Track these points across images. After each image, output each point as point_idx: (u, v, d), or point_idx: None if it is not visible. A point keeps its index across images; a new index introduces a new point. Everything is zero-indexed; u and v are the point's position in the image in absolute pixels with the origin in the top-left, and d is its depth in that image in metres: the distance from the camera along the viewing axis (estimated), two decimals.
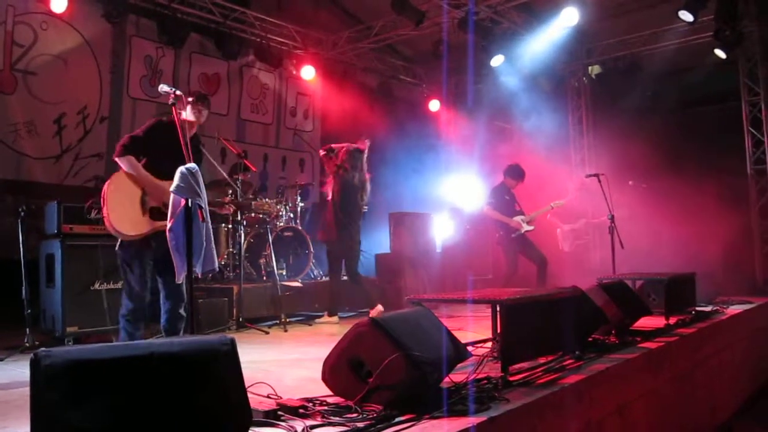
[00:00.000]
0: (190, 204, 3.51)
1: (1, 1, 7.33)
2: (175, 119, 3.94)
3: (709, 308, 6.35)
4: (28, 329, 5.33)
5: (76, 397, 1.93)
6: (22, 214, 5.37)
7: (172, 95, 3.95)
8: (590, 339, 4.41)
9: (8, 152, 7.37)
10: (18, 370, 4.54)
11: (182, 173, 3.55)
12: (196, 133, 4.72)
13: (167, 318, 4.44)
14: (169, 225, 3.66)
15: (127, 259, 4.37)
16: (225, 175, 4.86)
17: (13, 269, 5.50)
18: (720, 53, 9.66)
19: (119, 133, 8.41)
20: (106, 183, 4.35)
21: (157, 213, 4.36)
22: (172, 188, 3.58)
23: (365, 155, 7.04)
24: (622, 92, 10.90)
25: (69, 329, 5.45)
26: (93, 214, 4.40)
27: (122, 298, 4.44)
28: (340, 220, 6.91)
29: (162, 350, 2.14)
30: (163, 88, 4.04)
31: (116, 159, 4.35)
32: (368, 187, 7.12)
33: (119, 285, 4.68)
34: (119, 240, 4.36)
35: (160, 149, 4.36)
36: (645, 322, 5.20)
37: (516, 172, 7.96)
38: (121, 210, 4.27)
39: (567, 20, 9.24)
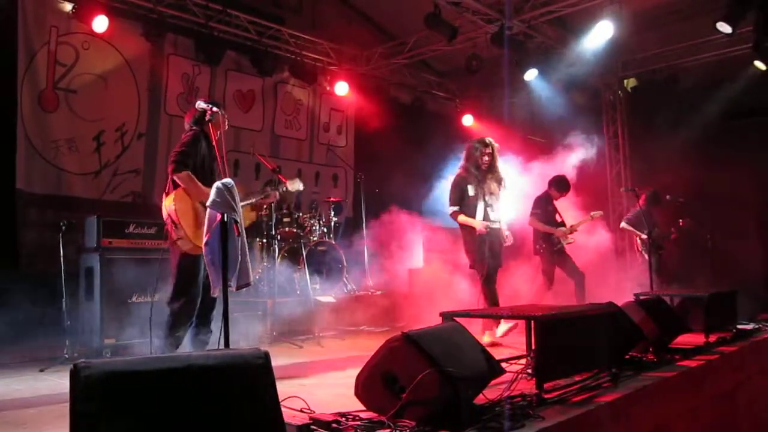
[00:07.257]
0: (225, 219, 3.55)
1: (45, 21, 7.56)
2: (212, 135, 4.02)
3: (751, 326, 6.18)
4: (67, 341, 5.45)
5: (114, 408, 1.95)
6: (63, 228, 5.51)
7: (209, 111, 4.04)
8: (627, 356, 4.33)
9: (49, 168, 7.56)
10: (58, 381, 4.64)
11: (218, 188, 3.60)
12: None
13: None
14: (205, 239, 3.71)
15: (196, 271, 4.46)
16: None
17: (54, 281, 5.64)
18: (760, 65, 9.49)
19: (156, 150, 8.59)
20: (171, 204, 4.36)
21: None
22: (208, 203, 3.64)
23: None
24: (658, 105, 10.74)
25: (107, 341, 5.56)
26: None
27: (180, 311, 4.49)
28: None
29: (199, 363, 2.17)
30: (201, 105, 4.15)
31: (175, 177, 4.36)
32: None
33: (156, 298, 4.73)
34: (181, 253, 4.42)
35: (198, 160, 4.44)
36: (684, 340, 5.07)
37: (562, 184, 7.86)
38: (194, 226, 4.34)
39: (602, 33, 9.15)
